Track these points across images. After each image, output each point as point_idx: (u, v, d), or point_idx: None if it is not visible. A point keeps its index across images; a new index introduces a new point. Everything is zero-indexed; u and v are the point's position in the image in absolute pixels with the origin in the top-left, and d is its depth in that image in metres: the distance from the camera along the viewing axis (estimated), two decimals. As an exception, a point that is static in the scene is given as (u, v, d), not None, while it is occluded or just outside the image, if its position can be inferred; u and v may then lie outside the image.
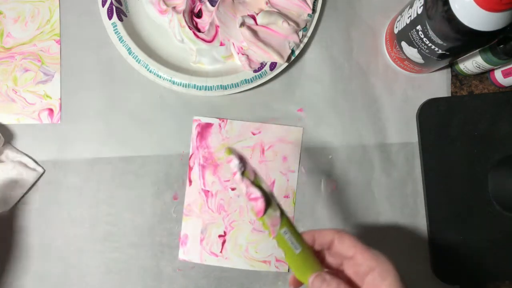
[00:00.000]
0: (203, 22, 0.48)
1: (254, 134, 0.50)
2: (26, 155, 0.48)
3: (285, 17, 0.47)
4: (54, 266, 0.48)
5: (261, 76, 0.48)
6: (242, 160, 0.32)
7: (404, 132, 0.51)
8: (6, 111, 0.49)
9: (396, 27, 0.47)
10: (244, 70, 0.48)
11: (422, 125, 0.50)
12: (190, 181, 0.49)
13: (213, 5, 0.47)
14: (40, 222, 0.49)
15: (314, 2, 0.49)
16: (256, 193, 0.31)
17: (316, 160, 0.50)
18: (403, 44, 0.46)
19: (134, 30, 0.49)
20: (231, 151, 0.32)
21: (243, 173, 0.32)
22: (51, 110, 0.49)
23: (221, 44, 0.48)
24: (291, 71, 0.51)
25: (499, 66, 0.48)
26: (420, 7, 0.40)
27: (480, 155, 0.50)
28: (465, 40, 0.38)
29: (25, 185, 0.48)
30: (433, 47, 0.41)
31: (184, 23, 0.46)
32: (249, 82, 0.48)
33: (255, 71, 0.48)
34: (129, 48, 0.47)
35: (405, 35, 0.45)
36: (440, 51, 0.41)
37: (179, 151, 0.50)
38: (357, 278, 0.32)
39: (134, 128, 0.50)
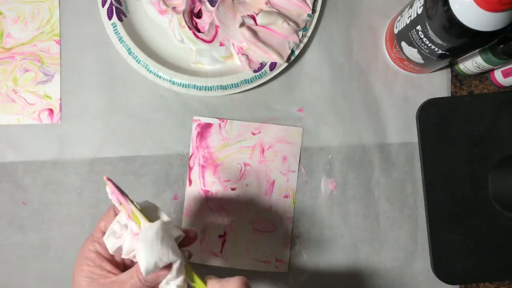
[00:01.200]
0: (203, 22, 0.48)
1: (254, 134, 0.50)
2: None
3: (285, 17, 0.47)
4: (54, 266, 0.48)
5: (261, 76, 0.48)
6: (119, 194, 0.32)
7: (404, 132, 0.51)
8: (6, 111, 0.49)
9: (396, 27, 0.47)
10: (244, 70, 0.48)
11: (422, 125, 0.50)
12: (190, 181, 0.49)
13: (213, 5, 0.47)
14: (40, 222, 0.49)
15: (314, 2, 0.48)
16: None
17: (316, 160, 0.50)
18: (403, 44, 0.46)
19: (134, 30, 0.49)
20: (107, 183, 0.32)
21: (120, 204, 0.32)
22: (51, 110, 0.49)
23: (221, 44, 0.48)
24: (291, 71, 0.51)
25: (499, 66, 0.48)
26: (420, 7, 0.40)
27: (480, 155, 0.50)
28: (465, 40, 0.38)
29: None
30: (433, 47, 0.41)
31: (184, 23, 0.46)
32: (249, 82, 0.48)
33: (255, 71, 0.48)
34: (129, 48, 0.47)
35: (405, 35, 0.45)
36: (440, 51, 0.41)
37: (179, 151, 0.50)
38: None
39: (134, 128, 0.50)
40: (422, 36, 0.41)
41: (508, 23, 0.36)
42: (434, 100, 0.51)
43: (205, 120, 0.50)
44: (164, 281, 0.31)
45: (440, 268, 0.49)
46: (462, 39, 0.38)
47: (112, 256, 0.33)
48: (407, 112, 0.51)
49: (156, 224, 0.31)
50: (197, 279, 0.32)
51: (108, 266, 0.32)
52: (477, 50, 0.45)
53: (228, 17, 0.47)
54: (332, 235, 0.50)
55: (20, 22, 0.50)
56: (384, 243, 0.50)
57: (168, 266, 0.31)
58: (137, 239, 0.30)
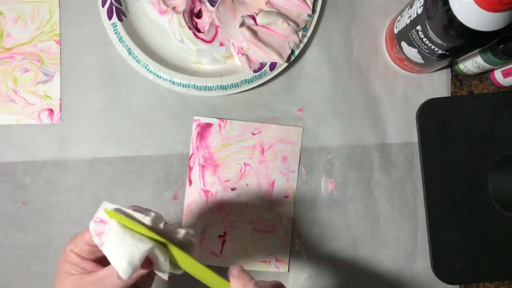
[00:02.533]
0: (203, 22, 0.48)
1: (254, 134, 0.50)
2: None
3: (285, 17, 0.47)
4: (54, 266, 0.48)
5: (261, 76, 0.48)
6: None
7: (404, 132, 0.51)
8: (6, 111, 0.49)
9: (396, 27, 0.47)
10: (244, 70, 0.48)
11: (422, 125, 0.50)
12: (190, 181, 0.49)
13: (213, 5, 0.47)
14: (40, 222, 0.49)
15: (314, 2, 0.48)
16: None
17: (316, 160, 0.50)
18: (403, 44, 0.46)
19: (134, 30, 0.49)
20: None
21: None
22: (51, 110, 0.49)
23: (221, 44, 0.48)
24: (291, 71, 0.51)
25: (499, 66, 0.48)
26: (420, 7, 0.40)
27: (480, 155, 0.50)
28: (465, 40, 0.38)
29: None
30: (433, 47, 0.41)
31: (184, 23, 0.46)
32: (249, 82, 0.48)
33: (255, 71, 0.48)
34: (129, 48, 0.47)
35: (405, 35, 0.45)
36: (440, 51, 0.41)
37: (179, 151, 0.50)
38: None
39: (134, 128, 0.50)
40: (422, 36, 0.41)
41: (508, 23, 0.36)
42: (434, 100, 0.51)
43: (205, 120, 0.50)
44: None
45: (440, 268, 0.49)
46: (462, 39, 0.38)
47: (93, 255, 0.33)
48: (407, 112, 0.51)
49: (112, 223, 0.30)
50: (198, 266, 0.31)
51: (89, 266, 0.32)
52: (477, 50, 0.45)
53: (228, 17, 0.47)
54: (332, 235, 0.50)
55: (20, 22, 0.50)
56: (384, 243, 0.50)
57: (146, 261, 0.30)
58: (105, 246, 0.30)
